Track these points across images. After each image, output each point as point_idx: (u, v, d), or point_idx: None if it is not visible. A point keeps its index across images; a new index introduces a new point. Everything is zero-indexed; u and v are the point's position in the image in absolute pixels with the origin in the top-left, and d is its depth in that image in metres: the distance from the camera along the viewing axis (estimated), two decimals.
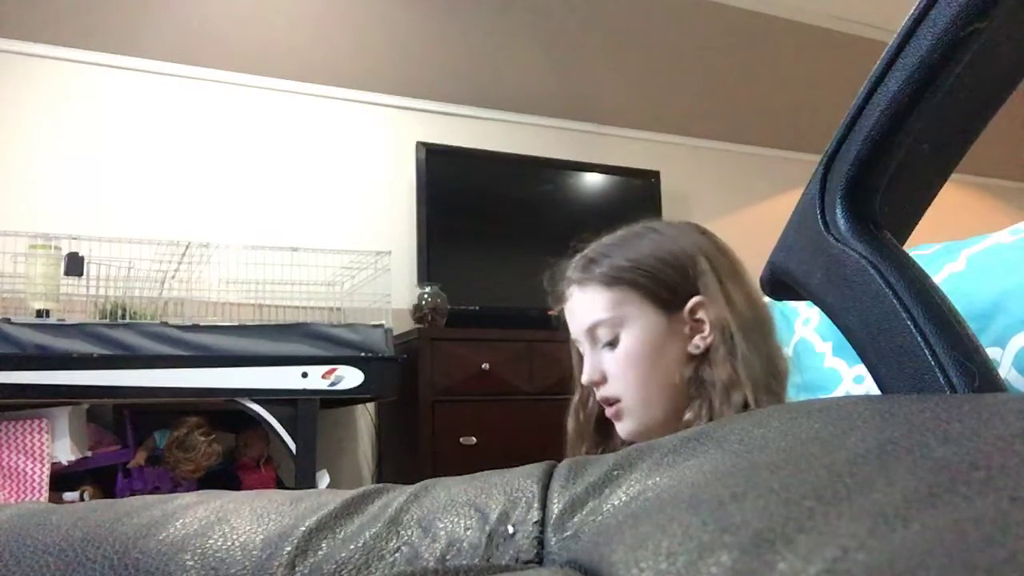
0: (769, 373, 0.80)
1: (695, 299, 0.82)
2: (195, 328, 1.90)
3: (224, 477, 2.09)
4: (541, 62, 3.17)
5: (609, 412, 0.83)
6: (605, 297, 0.83)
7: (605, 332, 0.83)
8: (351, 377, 1.97)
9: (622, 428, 0.83)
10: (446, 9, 3.02)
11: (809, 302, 0.62)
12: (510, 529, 0.40)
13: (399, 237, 2.73)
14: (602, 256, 0.86)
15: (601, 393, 0.84)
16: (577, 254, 0.90)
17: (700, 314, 0.82)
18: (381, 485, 0.48)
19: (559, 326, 0.93)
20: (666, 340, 0.82)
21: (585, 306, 0.85)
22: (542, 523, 0.40)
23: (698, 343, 0.82)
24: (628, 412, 0.82)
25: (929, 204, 0.48)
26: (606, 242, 0.88)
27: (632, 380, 0.81)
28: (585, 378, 0.84)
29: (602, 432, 0.90)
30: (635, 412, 0.82)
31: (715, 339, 0.81)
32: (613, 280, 0.83)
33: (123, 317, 1.92)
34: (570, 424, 0.92)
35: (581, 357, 0.90)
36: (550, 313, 0.93)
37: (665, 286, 0.82)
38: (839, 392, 0.90)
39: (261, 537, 0.42)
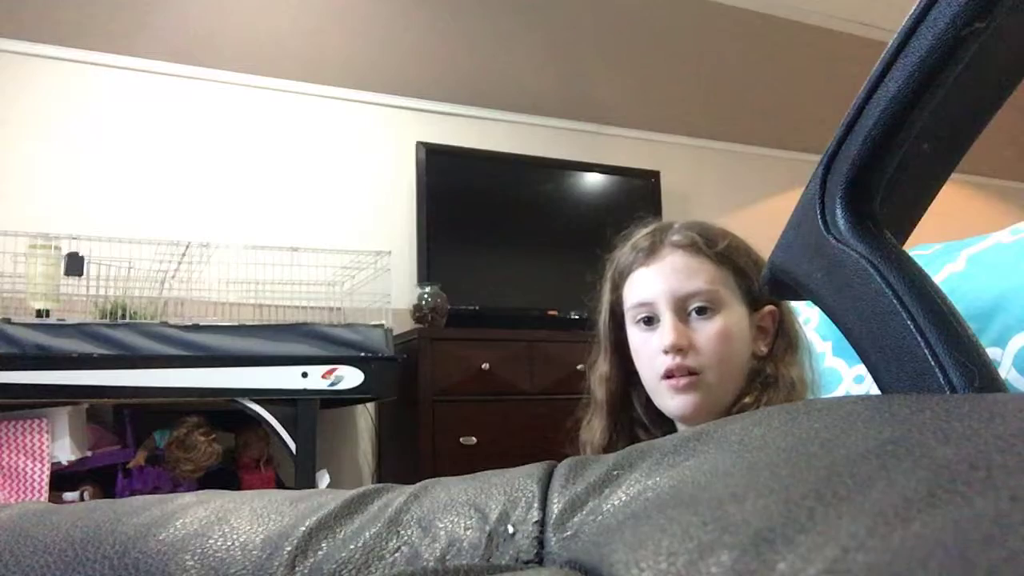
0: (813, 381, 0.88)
1: (770, 308, 0.87)
2: (195, 328, 1.90)
3: (224, 477, 2.09)
4: (541, 62, 3.17)
5: (680, 383, 0.81)
6: (712, 271, 0.84)
7: (698, 303, 0.83)
8: (351, 377, 1.97)
9: (686, 401, 0.81)
10: (446, 9, 3.02)
11: (809, 302, 0.62)
12: (510, 529, 0.40)
13: (399, 237, 2.73)
14: (706, 231, 0.87)
15: (684, 361, 0.82)
16: (646, 228, 0.91)
17: (767, 322, 0.87)
18: (381, 485, 0.48)
19: (608, 283, 0.93)
20: (746, 332, 0.86)
21: (687, 272, 0.84)
22: (542, 523, 0.40)
23: (762, 347, 0.86)
24: (704, 386, 0.82)
25: (929, 204, 0.48)
26: (698, 223, 0.89)
27: (719, 357, 0.82)
28: (673, 339, 0.81)
29: (623, 415, 0.91)
30: (711, 388, 0.82)
31: (780, 345, 0.86)
32: (724, 260, 0.85)
33: (123, 317, 1.92)
34: (599, 394, 0.93)
35: (616, 323, 0.91)
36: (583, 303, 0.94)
37: (753, 286, 0.86)
38: (839, 392, 0.90)
39: (261, 537, 0.42)
